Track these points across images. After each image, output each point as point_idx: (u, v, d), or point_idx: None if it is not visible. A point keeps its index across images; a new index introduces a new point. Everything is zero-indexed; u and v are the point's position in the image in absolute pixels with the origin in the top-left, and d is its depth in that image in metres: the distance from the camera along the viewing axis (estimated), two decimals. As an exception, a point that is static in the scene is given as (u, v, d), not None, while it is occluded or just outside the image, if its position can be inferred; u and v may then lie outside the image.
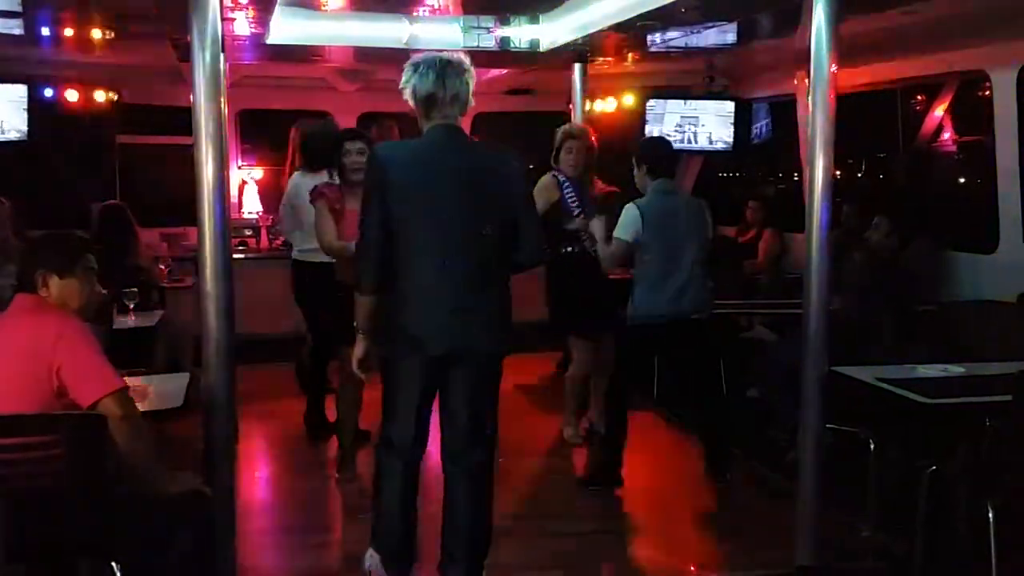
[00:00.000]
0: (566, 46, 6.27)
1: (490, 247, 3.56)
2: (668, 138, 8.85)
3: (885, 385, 3.87)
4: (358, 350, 3.76)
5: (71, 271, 3.15)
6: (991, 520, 3.52)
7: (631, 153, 5.24)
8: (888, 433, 4.31)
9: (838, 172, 8.84)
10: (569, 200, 5.58)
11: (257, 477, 5.50)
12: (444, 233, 3.50)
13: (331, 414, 5.65)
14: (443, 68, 3.55)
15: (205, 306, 3.57)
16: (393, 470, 3.66)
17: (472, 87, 3.61)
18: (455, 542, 3.67)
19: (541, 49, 6.38)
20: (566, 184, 5.61)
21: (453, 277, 3.50)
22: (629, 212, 4.95)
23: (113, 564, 2.97)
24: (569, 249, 5.58)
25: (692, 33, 6.12)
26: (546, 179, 5.66)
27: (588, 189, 5.76)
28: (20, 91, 7.65)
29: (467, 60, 3.62)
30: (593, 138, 5.86)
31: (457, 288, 3.51)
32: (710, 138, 8.90)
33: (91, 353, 3.00)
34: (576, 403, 5.88)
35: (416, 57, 3.64)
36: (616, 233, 4.99)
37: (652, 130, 8.86)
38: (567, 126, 5.89)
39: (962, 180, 8.00)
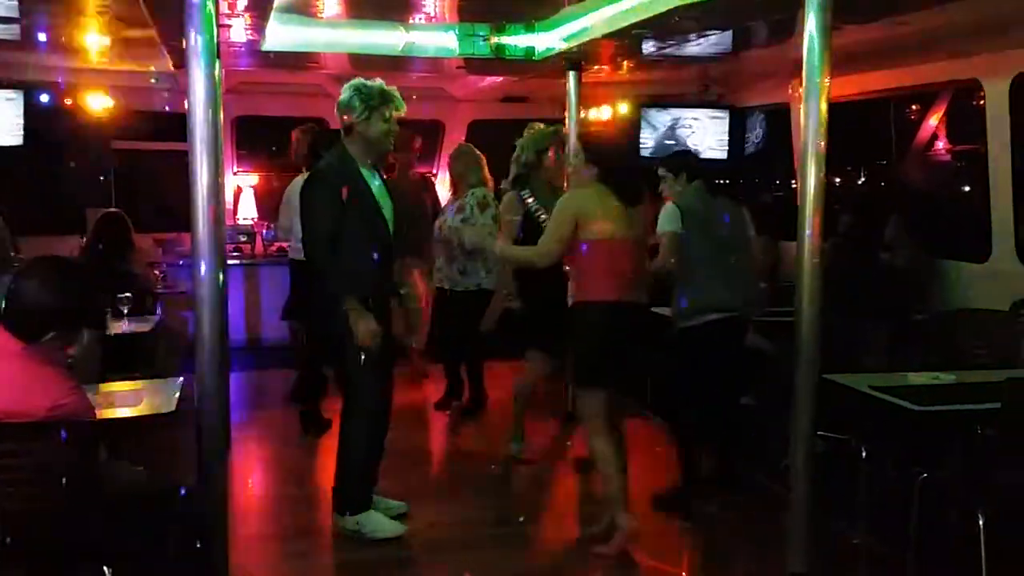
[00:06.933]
0: (560, 54, 6.28)
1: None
2: (660, 146, 8.95)
3: (877, 393, 3.89)
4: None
5: None
6: (982, 527, 3.54)
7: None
8: (880, 441, 4.32)
9: (837, 180, 8.95)
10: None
11: (249, 482, 5.49)
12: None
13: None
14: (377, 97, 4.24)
15: (198, 311, 3.58)
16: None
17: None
18: None
19: (536, 57, 6.39)
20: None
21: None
22: (668, 209, 4.80)
23: (105, 569, 2.97)
24: None
25: (686, 42, 6.12)
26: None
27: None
28: (16, 96, 7.67)
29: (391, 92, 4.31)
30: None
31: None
32: (705, 147, 8.92)
33: None
34: (523, 417, 5.69)
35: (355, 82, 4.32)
36: (661, 228, 4.78)
37: (647, 139, 8.90)
38: (552, 129, 5.71)
39: (955, 189, 8.03)
